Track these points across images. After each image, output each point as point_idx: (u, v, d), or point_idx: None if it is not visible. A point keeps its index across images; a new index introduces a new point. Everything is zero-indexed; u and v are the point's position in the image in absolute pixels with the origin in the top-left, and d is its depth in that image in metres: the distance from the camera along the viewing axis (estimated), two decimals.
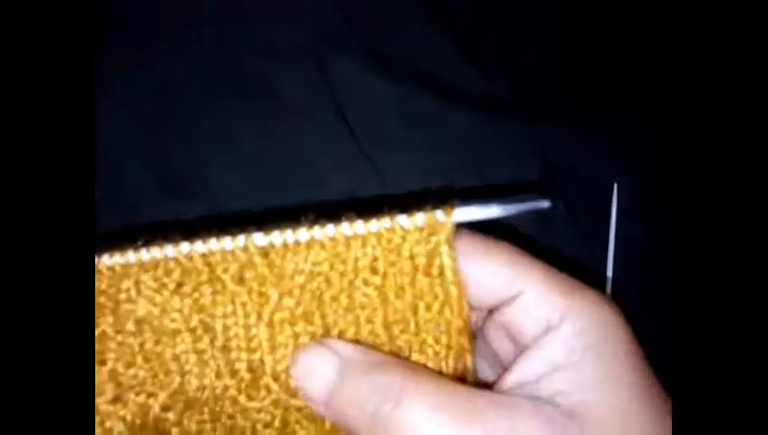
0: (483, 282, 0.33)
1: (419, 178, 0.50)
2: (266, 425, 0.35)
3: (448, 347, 0.34)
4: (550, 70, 0.52)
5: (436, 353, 0.34)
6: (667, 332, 0.33)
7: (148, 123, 0.50)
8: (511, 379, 0.31)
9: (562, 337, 0.31)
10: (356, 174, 0.50)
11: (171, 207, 0.49)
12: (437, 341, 0.34)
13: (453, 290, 0.33)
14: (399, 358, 0.34)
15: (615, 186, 0.50)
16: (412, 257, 0.33)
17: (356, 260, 0.34)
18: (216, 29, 0.51)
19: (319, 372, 0.33)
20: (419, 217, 0.33)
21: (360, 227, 0.33)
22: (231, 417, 0.35)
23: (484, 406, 0.29)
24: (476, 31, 0.52)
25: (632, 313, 0.32)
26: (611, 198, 0.50)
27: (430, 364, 0.34)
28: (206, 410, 0.35)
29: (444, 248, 0.33)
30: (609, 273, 0.50)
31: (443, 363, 0.34)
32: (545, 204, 0.33)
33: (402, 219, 0.33)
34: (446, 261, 0.33)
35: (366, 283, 0.34)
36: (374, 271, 0.33)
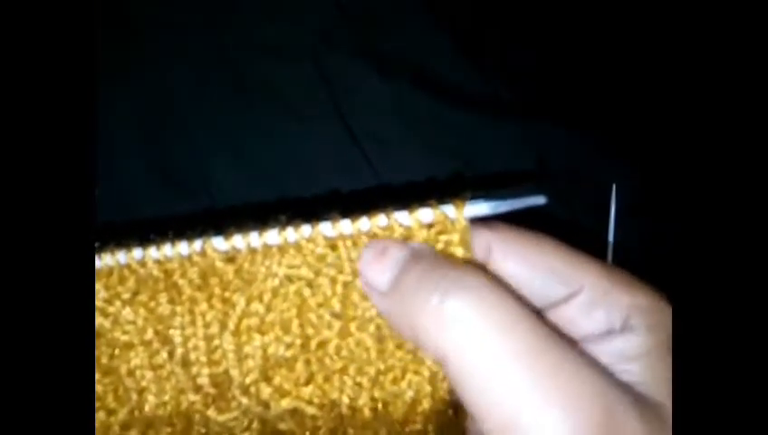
0: (534, 284, 0.29)
1: (418, 178, 0.50)
2: (244, 429, 0.32)
3: None
4: (550, 70, 0.52)
5: (434, 373, 0.31)
6: None
7: (148, 123, 0.50)
8: None
9: (633, 332, 0.27)
10: (354, 174, 0.50)
11: (171, 206, 0.49)
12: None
13: None
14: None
15: (614, 186, 0.50)
16: None
17: (351, 261, 0.30)
18: (216, 29, 0.51)
19: (389, 254, 0.28)
20: (423, 213, 0.29)
21: (347, 226, 0.29)
22: (204, 427, 0.32)
23: (577, 371, 0.25)
24: (476, 31, 0.52)
25: None
26: (610, 198, 0.50)
27: (426, 386, 0.31)
28: (174, 425, 0.32)
29: (459, 250, 0.29)
30: None
31: (441, 384, 0.31)
32: (541, 200, 0.29)
33: (401, 216, 0.29)
34: None
35: None
36: None
